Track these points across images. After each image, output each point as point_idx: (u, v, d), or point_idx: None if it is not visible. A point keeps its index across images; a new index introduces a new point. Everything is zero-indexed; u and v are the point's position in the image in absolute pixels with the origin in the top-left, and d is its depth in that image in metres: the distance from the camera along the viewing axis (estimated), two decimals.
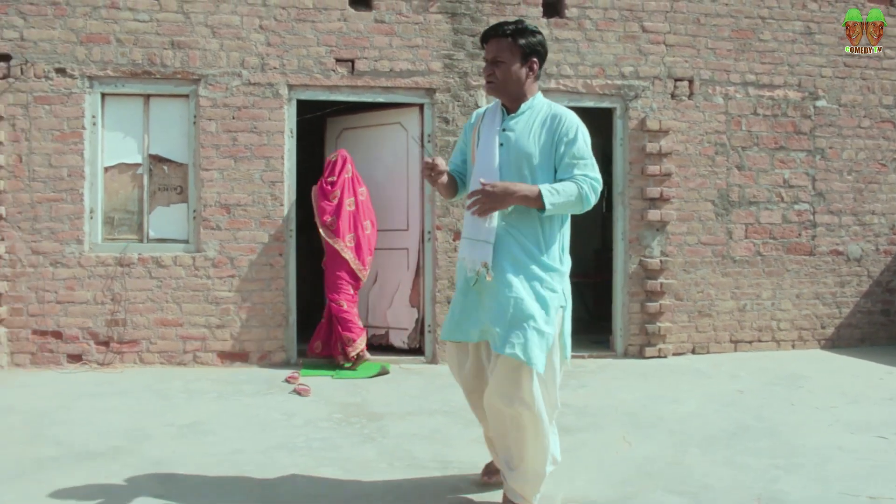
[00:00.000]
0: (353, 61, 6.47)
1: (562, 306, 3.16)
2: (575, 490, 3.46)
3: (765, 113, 7.10)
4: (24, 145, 6.14)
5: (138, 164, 6.41)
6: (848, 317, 7.34)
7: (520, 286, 3.03)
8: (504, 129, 3.18)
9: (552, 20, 6.73)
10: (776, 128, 7.13)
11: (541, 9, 6.72)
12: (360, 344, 6.24)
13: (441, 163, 3.09)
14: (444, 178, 3.16)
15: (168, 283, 6.26)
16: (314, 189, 6.51)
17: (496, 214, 3.08)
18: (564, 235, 3.22)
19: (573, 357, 6.47)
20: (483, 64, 3.31)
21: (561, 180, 3.08)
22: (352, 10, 6.48)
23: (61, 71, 6.17)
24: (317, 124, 7.44)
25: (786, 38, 7.13)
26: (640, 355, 6.82)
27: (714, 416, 4.82)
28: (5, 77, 6.13)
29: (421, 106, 6.65)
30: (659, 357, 6.80)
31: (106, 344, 6.19)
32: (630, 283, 6.88)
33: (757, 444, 4.21)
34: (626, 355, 6.86)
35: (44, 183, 6.16)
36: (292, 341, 6.47)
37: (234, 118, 6.33)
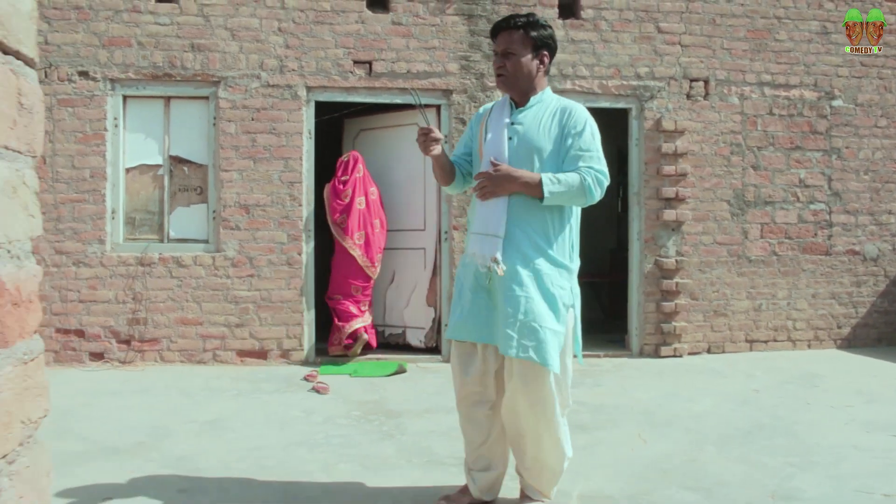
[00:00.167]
0: (370, 63, 6.54)
1: (571, 305, 3.11)
2: (591, 486, 3.50)
3: (780, 113, 7.10)
4: (47, 147, 6.24)
5: (159, 166, 6.50)
6: (864, 316, 7.33)
7: (530, 284, 2.98)
8: (513, 123, 3.14)
9: (568, 21, 6.77)
10: (792, 128, 7.13)
11: (556, 10, 6.76)
12: (354, 325, 6.44)
13: (437, 132, 3.05)
14: (438, 150, 3.09)
15: (188, 282, 6.35)
16: (327, 188, 6.64)
17: (505, 210, 3.03)
18: (574, 232, 3.16)
19: (588, 356, 6.61)
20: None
21: (566, 172, 3.04)
22: (369, 13, 6.55)
23: (84, 74, 6.28)
24: (335, 125, 7.52)
25: (802, 38, 7.13)
26: (656, 354, 6.84)
27: (729, 415, 4.84)
28: None
29: (438, 107, 6.71)
30: (674, 356, 6.82)
31: (127, 342, 6.29)
32: (645, 282, 6.91)
33: (772, 442, 4.24)
34: (641, 354, 6.89)
35: (67, 184, 6.27)
36: (311, 340, 6.55)
37: (253, 119, 6.42)
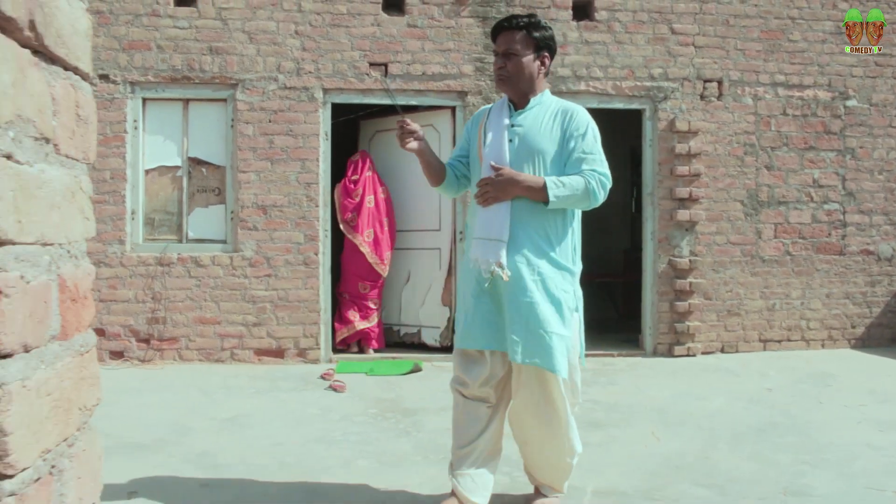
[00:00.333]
0: (386, 65, 6.62)
1: (575, 309, 3.06)
2: (605, 482, 3.56)
3: (794, 113, 7.12)
4: None
5: (178, 167, 6.60)
6: (879, 316, 7.33)
7: (535, 289, 2.93)
8: (513, 125, 3.08)
9: (582, 23, 6.81)
10: (806, 128, 7.15)
11: (570, 12, 6.81)
12: (344, 333, 6.70)
13: (416, 127, 3.03)
14: (414, 144, 3.04)
15: (206, 282, 6.45)
16: (337, 187, 6.76)
17: (508, 213, 2.98)
18: (576, 235, 3.12)
19: (602, 355, 6.66)
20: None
21: (569, 175, 2.99)
22: (385, 15, 6.63)
23: (104, 77, 6.38)
24: (351, 127, 7.60)
25: (815, 39, 7.15)
26: (670, 354, 6.88)
27: (742, 413, 4.88)
28: None
29: (453, 109, 6.78)
30: (688, 356, 6.85)
31: (147, 341, 6.39)
32: (659, 282, 6.94)
33: (784, 440, 4.27)
34: (655, 354, 6.93)
35: None
36: (327, 339, 6.63)
37: (270, 121, 6.50)
